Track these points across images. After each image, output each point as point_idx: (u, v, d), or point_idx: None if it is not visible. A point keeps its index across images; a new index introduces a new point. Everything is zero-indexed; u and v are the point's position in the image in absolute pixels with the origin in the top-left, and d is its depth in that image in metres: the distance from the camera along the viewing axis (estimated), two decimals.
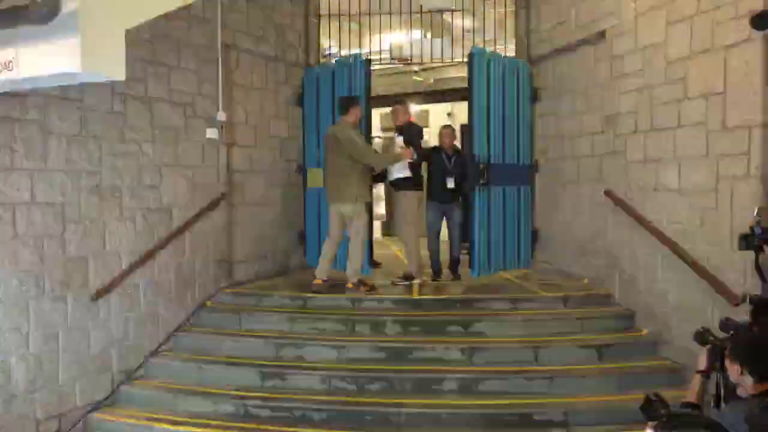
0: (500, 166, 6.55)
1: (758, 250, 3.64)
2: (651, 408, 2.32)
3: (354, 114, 5.77)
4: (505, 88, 6.65)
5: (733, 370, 2.31)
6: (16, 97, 3.95)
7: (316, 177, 6.83)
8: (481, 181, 6.31)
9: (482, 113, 6.37)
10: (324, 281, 5.73)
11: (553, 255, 6.69)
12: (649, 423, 2.31)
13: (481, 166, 6.30)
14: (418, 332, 5.07)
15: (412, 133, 6.14)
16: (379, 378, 4.56)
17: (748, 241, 3.66)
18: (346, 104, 5.80)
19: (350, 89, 6.51)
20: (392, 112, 6.48)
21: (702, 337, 2.74)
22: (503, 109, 6.62)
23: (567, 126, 6.33)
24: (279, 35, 6.72)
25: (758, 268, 3.68)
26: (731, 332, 2.58)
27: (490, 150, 6.44)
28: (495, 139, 6.52)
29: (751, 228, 3.67)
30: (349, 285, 5.65)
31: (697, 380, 2.63)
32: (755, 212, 3.74)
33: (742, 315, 3.48)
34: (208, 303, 5.64)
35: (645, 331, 5.01)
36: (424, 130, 7.23)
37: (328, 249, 5.85)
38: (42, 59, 2.71)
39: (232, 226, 6.00)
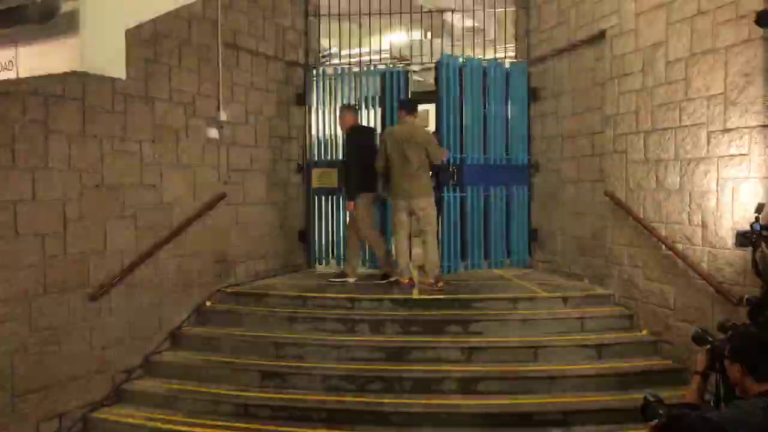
0: (479, 166, 6.79)
1: (755, 247, 3.65)
2: (649, 409, 2.32)
3: (415, 116, 6.08)
4: (489, 90, 6.87)
5: (733, 370, 2.32)
6: (17, 96, 3.95)
7: (323, 177, 6.90)
8: (452, 182, 6.58)
9: (450, 117, 6.67)
10: (410, 279, 5.98)
11: (552, 255, 6.69)
12: (648, 423, 2.32)
13: (451, 167, 6.54)
14: (417, 332, 5.07)
15: (361, 136, 6.27)
16: (379, 378, 4.56)
17: (746, 238, 3.68)
18: (414, 107, 6.15)
19: (383, 94, 6.93)
20: (339, 117, 6.47)
21: (701, 337, 2.74)
22: (484, 110, 6.86)
23: (567, 126, 6.34)
24: (279, 35, 6.72)
25: (755, 266, 3.69)
26: (730, 332, 2.59)
27: (464, 151, 6.70)
28: (472, 141, 6.78)
29: (751, 225, 3.68)
30: (430, 280, 5.73)
31: (696, 380, 2.64)
32: (754, 209, 3.75)
33: (743, 315, 3.50)
34: (208, 303, 5.64)
35: (645, 331, 5.01)
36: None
37: (405, 246, 6.07)
38: (42, 59, 2.71)
39: (232, 226, 6.00)
